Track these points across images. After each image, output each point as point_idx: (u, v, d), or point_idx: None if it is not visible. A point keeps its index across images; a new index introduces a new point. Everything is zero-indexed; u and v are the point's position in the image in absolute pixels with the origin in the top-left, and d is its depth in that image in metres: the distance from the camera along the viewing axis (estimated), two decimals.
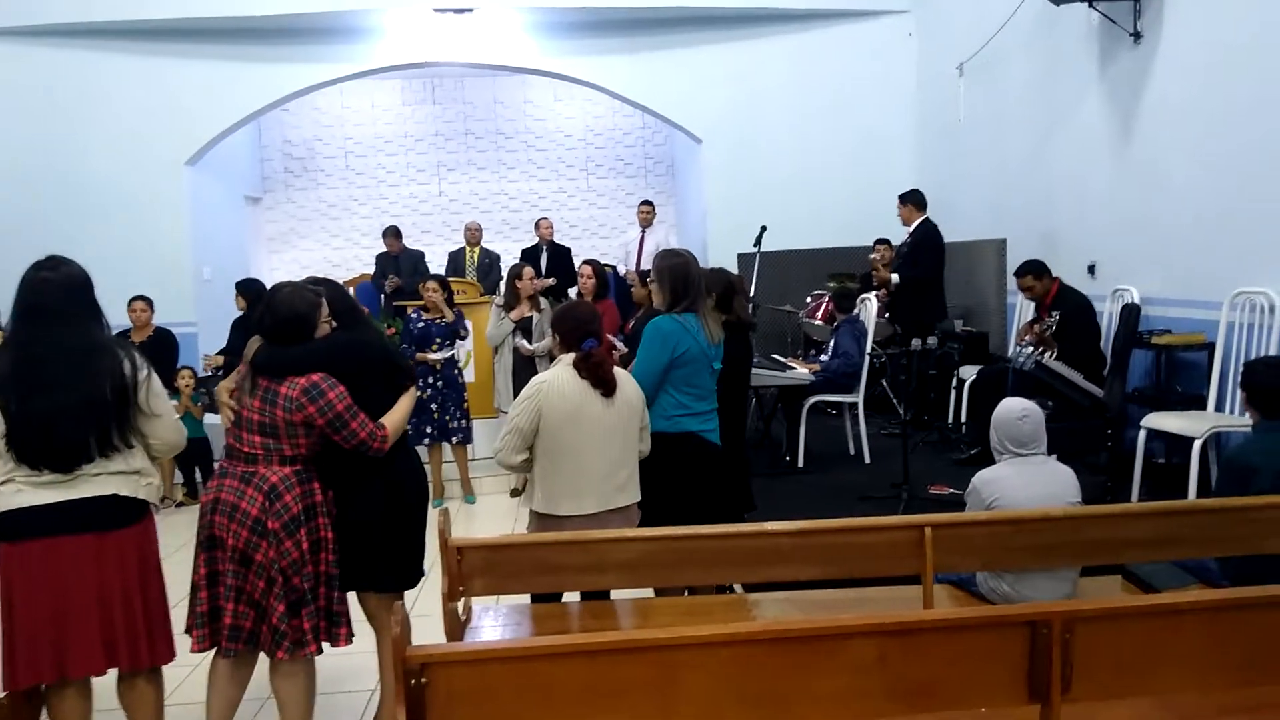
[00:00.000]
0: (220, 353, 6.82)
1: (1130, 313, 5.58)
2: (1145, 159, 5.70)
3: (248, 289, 6.65)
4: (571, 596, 3.46)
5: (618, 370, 3.35)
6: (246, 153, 11.21)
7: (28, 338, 2.68)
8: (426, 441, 6.36)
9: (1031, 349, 5.35)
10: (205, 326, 8.78)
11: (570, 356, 3.31)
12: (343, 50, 8.98)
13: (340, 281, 3.60)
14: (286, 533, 2.87)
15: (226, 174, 10.24)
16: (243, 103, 8.99)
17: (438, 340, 6.36)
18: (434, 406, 6.37)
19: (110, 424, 2.67)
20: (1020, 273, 5.76)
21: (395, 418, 3.06)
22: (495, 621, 3.29)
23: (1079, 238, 6.42)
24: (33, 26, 8.46)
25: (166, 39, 8.70)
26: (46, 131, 8.60)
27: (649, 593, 3.60)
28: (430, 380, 6.33)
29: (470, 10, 8.75)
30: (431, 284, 6.44)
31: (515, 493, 6.64)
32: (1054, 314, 5.45)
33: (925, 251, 6.93)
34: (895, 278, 6.95)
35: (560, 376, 3.27)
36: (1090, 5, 5.83)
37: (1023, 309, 6.68)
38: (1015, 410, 3.26)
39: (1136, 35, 5.66)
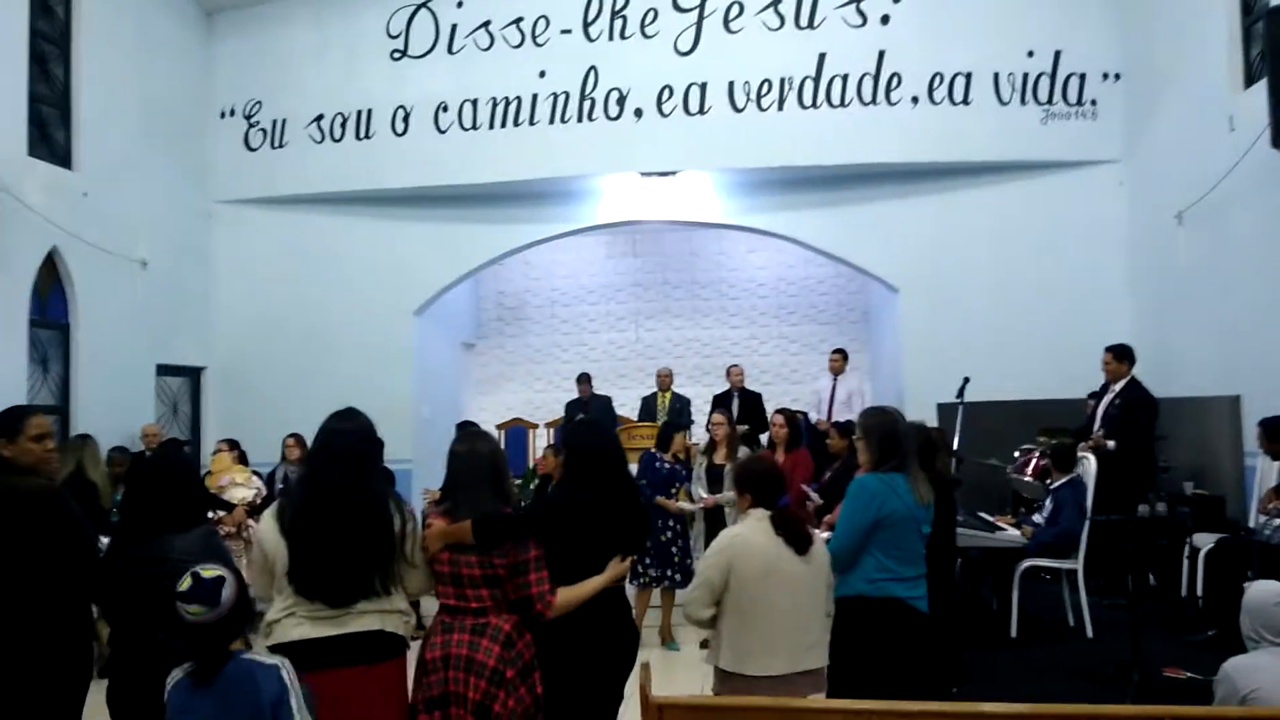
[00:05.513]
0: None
1: None
2: None
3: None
4: None
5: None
6: (465, 302, 12.16)
7: (318, 481, 2.97)
8: (666, 585, 6.18)
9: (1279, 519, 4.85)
10: (420, 463, 9.38)
11: (761, 511, 3.32)
12: (558, 211, 9.74)
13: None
14: (521, 679, 2.95)
15: (447, 322, 11.13)
16: (466, 259, 9.88)
17: (676, 485, 6.31)
18: (675, 550, 6.22)
19: (375, 569, 2.89)
20: (1271, 434, 5.28)
21: (574, 593, 3.04)
22: None
23: None
24: (289, 196, 9.81)
25: (401, 205, 9.78)
26: (296, 284, 9.78)
27: None
28: (669, 523, 6.25)
29: (674, 173, 9.36)
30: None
31: (705, 644, 6.51)
32: None
33: (1141, 413, 6.44)
34: (1111, 444, 6.34)
35: (752, 531, 3.27)
36: None
37: (1264, 472, 6.08)
38: (1272, 594, 2.96)
39: None
